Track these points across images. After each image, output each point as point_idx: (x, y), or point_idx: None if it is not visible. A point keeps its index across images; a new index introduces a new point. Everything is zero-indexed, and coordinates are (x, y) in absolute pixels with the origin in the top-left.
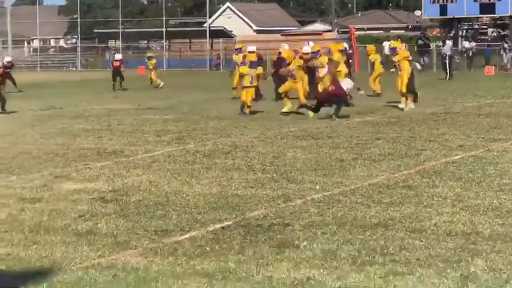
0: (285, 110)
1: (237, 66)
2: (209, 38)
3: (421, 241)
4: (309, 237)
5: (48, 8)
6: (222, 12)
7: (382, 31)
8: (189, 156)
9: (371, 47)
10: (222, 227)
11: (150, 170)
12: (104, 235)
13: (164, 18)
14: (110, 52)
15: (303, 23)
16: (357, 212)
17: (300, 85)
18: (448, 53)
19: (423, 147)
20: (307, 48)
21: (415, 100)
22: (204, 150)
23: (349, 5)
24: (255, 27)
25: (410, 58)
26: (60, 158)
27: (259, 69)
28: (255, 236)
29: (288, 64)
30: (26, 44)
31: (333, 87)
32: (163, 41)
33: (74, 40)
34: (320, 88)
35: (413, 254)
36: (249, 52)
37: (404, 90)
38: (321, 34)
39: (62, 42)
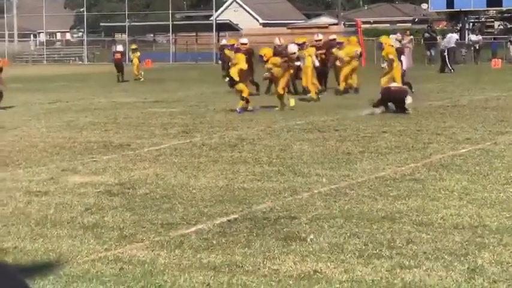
0: (292, 104)
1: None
2: (215, 31)
3: (428, 234)
4: (316, 230)
5: (54, 2)
6: (228, 6)
7: (388, 24)
8: (195, 149)
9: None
10: (229, 220)
11: (157, 163)
12: (111, 228)
13: (170, 11)
14: (116, 45)
15: (309, 16)
16: (364, 205)
17: (284, 79)
18: (449, 46)
19: (430, 140)
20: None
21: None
22: (211, 143)
23: None
24: (261, 21)
25: (391, 57)
26: (66, 151)
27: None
28: (262, 229)
29: (266, 61)
30: (32, 37)
31: (395, 85)
32: (170, 34)
33: (80, 34)
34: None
35: (420, 247)
36: (242, 44)
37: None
38: (327, 27)
39: (68, 36)
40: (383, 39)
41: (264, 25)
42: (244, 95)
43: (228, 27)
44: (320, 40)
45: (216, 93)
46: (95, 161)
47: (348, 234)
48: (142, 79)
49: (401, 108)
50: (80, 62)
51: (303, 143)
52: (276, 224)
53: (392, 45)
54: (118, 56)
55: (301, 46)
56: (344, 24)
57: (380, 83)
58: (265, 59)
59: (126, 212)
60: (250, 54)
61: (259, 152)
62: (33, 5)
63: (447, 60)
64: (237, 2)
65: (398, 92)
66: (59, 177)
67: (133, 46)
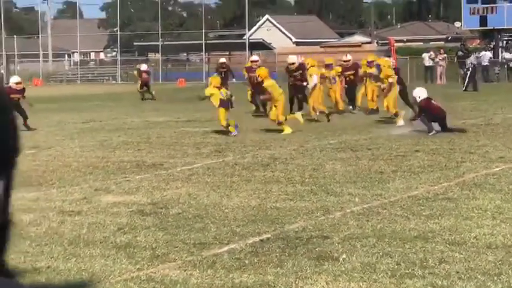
0: (300, 120)
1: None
2: (248, 50)
3: (461, 254)
4: (348, 249)
5: (88, 22)
6: (261, 25)
7: (421, 43)
8: (228, 168)
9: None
10: (261, 240)
11: (189, 183)
12: (143, 248)
13: (204, 30)
14: (149, 64)
15: (342, 35)
16: (396, 224)
17: (281, 102)
18: (481, 63)
19: (463, 159)
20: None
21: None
22: (243, 162)
23: (389, 17)
24: (294, 39)
25: (391, 80)
26: (99, 171)
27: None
28: (294, 248)
29: (261, 82)
30: (66, 57)
31: (435, 102)
32: (203, 53)
33: (114, 53)
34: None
35: (453, 267)
36: (252, 61)
37: (394, 111)
38: (360, 46)
39: (102, 55)
40: (381, 60)
41: (297, 44)
42: (222, 121)
43: (261, 46)
44: (348, 61)
45: (248, 112)
46: (128, 180)
47: (381, 253)
48: (151, 96)
49: (444, 127)
50: (114, 82)
51: (335, 162)
52: (308, 243)
53: (390, 67)
54: (145, 75)
55: (328, 67)
56: (377, 42)
57: (382, 106)
58: (260, 79)
59: (158, 232)
60: None
61: (291, 172)
62: (67, 25)
63: (470, 78)
64: (270, 21)
65: (438, 109)
66: (92, 196)
67: (140, 65)
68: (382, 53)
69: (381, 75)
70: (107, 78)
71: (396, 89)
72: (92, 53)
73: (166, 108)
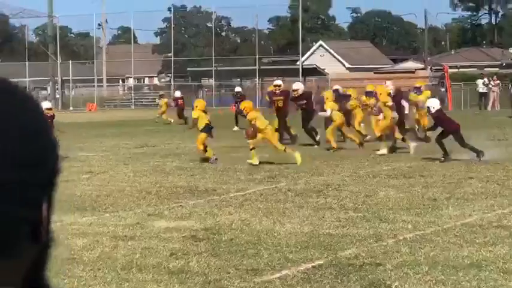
0: (252, 162)
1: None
2: (302, 76)
3: None
4: (401, 277)
5: (142, 47)
6: (314, 50)
7: (475, 69)
8: (280, 194)
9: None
10: (314, 266)
11: (242, 209)
12: (196, 274)
13: (257, 56)
14: (203, 91)
15: (395, 61)
16: (450, 252)
17: (269, 133)
18: None
19: None
20: (390, 85)
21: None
22: (296, 188)
23: (443, 43)
24: (347, 65)
25: (390, 104)
26: (152, 196)
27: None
28: (347, 275)
29: (246, 114)
30: (120, 82)
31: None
32: (256, 79)
33: (168, 78)
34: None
35: None
36: (275, 86)
37: (379, 135)
38: (413, 72)
39: (155, 81)
40: (378, 88)
41: (350, 70)
42: (199, 145)
43: (314, 71)
44: (337, 90)
45: (301, 138)
46: (180, 206)
47: (434, 281)
48: (171, 120)
49: (460, 141)
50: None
51: (388, 189)
52: (360, 270)
53: (389, 94)
54: (181, 101)
55: (369, 94)
56: (431, 68)
57: (375, 133)
58: (245, 112)
59: (211, 258)
60: (286, 96)
61: (344, 198)
62: (122, 51)
63: None
64: (323, 47)
65: (451, 121)
66: (145, 221)
67: (161, 93)
68: (435, 79)
69: (379, 103)
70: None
71: (391, 117)
72: (146, 78)
73: (220, 134)
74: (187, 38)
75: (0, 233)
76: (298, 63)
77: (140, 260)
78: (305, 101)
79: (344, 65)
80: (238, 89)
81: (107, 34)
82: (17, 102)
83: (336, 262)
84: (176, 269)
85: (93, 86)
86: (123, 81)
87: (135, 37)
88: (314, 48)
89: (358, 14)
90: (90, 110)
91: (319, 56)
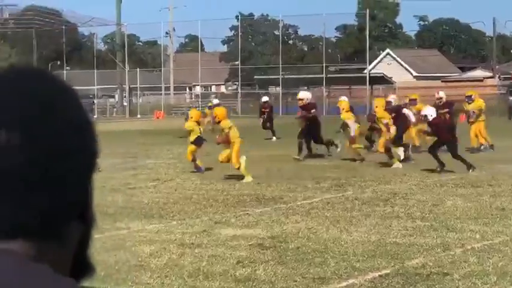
0: (247, 180)
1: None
2: (369, 84)
3: None
4: (468, 287)
5: (209, 55)
6: (382, 59)
7: None
8: (347, 203)
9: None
10: (380, 275)
11: (309, 217)
12: (262, 282)
13: (324, 64)
14: (271, 98)
15: (463, 69)
16: None
17: (236, 146)
18: None
19: None
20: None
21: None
22: (363, 197)
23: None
24: (414, 74)
25: (386, 121)
26: (219, 204)
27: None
28: (414, 285)
29: (218, 122)
30: (187, 90)
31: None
32: (323, 87)
33: (235, 86)
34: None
35: None
36: (299, 99)
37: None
38: (482, 80)
39: (222, 88)
40: (376, 101)
41: (418, 78)
42: (189, 156)
43: (381, 80)
44: (441, 98)
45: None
46: (247, 214)
47: None
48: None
49: (453, 151)
50: (235, 115)
51: (456, 198)
52: (428, 279)
53: (387, 108)
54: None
55: (413, 102)
56: (499, 77)
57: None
58: (217, 120)
59: (277, 266)
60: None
61: (411, 207)
62: (189, 59)
63: None
64: (390, 55)
65: (447, 131)
66: (212, 229)
67: (210, 104)
68: (504, 87)
69: (378, 116)
70: (227, 111)
71: (393, 130)
72: (212, 86)
73: (286, 142)
74: (254, 46)
75: (58, 215)
76: (365, 71)
77: (207, 267)
78: (314, 110)
79: (411, 74)
80: (265, 98)
81: (174, 42)
82: (67, 93)
83: (402, 271)
84: (243, 277)
85: (161, 93)
86: (190, 89)
87: (202, 45)
88: (381, 56)
89: (426, 22)
90: (157, 118)
91: (387, 64)
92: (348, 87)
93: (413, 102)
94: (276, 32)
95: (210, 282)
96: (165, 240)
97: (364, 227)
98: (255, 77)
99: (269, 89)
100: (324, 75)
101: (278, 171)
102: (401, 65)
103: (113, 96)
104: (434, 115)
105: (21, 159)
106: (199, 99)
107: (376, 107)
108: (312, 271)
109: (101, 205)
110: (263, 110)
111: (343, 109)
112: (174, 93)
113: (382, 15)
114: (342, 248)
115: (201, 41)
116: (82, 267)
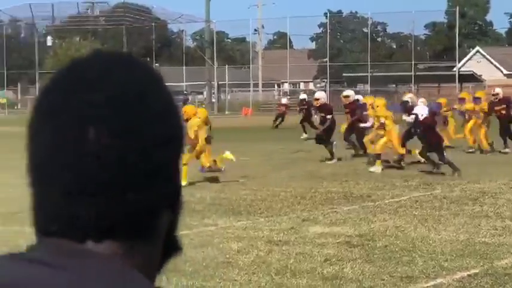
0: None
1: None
2: (458, 82)
3: None
4: None
5: (298, 52)
6: (471, 56)
7: None
8: (436, 201)
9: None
10: (469, 275)
11: (397, 215)
12: (350, 280)
13: (413, 62)
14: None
15: None
16: None
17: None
18: None
19: None
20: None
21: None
22: (452, 196)
23: None
24: (505, 72)
25: (383, 121)
26: (307, 201)
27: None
28: (503, 285)
29: (187, 120)
30: (276, 87)
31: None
32: (412, 85)
33: (323, 83)
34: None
35: None
36: (315, 99)
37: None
38: None
39: (311, 86)
40: (376, 101)
41: (508, 76)
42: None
43: (471, 78)
44: (497, 94)
45: (457, 146)
46: (335, 211)
47: None
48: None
49: (440, 154)
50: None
51: None
52: None
53: (385, 106)
54: (283, 108)
55: (462, 101)
56: None
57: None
58: (185, 117)
59: (365, 264)
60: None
61: (501, 206)
62: (277, 56)
63: None
64: (480, 53)
65: (436, 133)
66: (299, 227)
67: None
68: None
69: (377, 115)
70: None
71: (395, 130)
72: (301, 83)
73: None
74: (343, 43)
75: (153, 210)
76: (454, 69)
77: (294, 265)
78: (330, 116)
79: (502, 71)
80: (303, 95)
81: (263, 39)
82: (158, 81)
83: (492, 271)
84: (330, 275)
85: (249, 90)
86: (279, 86)
87: (290, 42)
88: (471, 54)
89: None
90: (245, 114)
91: (476, 62)
92: (437, 85)
93: (461, 101)
94: (365, 30)
95: (297, 280)
96: (253, 237)
97: (452, 226)
98: (344, 74)
99: (358, 86)
100: (412, 73)
101: (364, 169)
102: (491, 62)
103: (201, 93)
104: (426, 115)
105: (113, 157)
106: (288, 97)
107: (377, 106)
108: (400, 270)
109: (189, 202)
110: (301, 107)
111: (377, 106)
112: (263, 90)
113: (472, 12)
114: (430, 247)
115: (289, 38)
116: (169, 248)
